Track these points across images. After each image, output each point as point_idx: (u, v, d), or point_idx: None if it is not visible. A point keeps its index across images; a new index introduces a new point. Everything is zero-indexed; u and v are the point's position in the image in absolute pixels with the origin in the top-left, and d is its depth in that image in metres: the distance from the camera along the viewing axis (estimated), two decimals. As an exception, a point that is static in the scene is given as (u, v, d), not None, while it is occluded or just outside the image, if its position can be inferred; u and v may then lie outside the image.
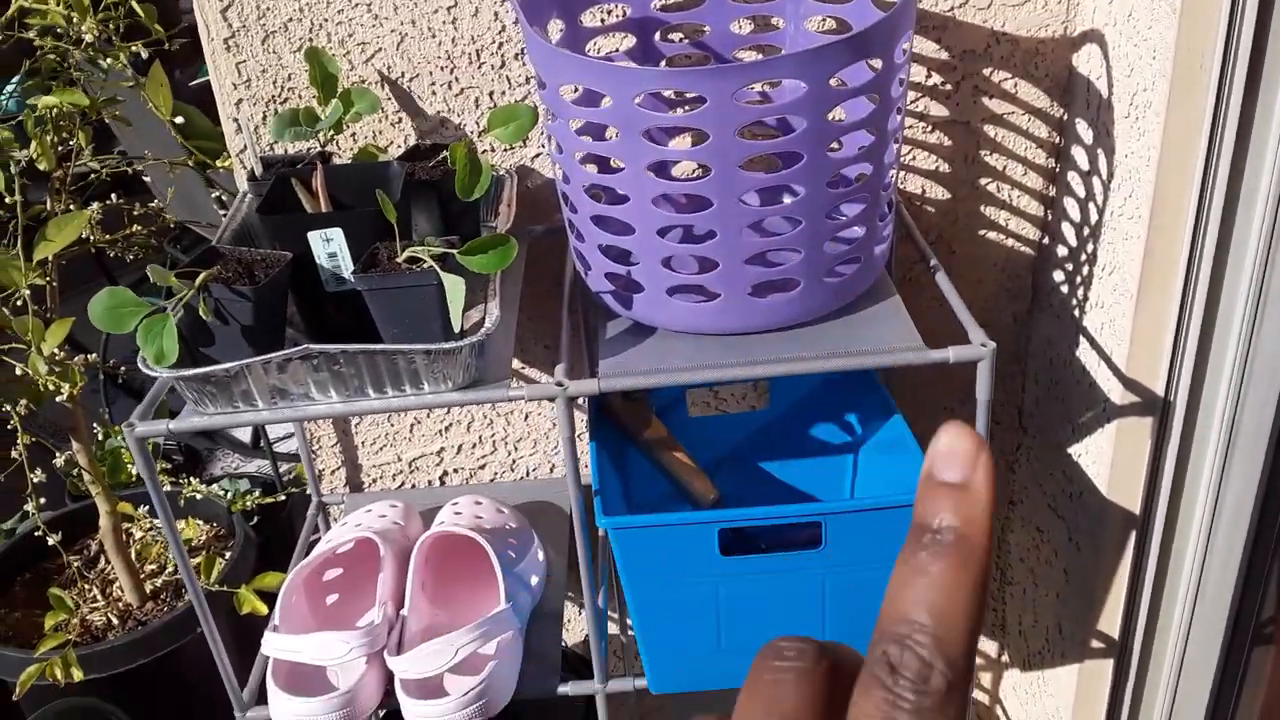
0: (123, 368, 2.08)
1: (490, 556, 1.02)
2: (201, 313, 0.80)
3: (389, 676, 0.97)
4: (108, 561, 1.80)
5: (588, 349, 1.08)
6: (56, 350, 1.28)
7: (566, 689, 0.99)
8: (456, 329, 0.81)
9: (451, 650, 0.93)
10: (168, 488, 1.53)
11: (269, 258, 0.86)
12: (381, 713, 1.02)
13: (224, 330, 0.82)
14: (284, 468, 2.19)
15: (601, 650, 0.98)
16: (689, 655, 0.94)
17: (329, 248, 0.87)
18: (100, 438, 1.99)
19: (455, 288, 0.80)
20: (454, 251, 0.82)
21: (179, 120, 1.14)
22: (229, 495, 1.80)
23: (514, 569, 1.04)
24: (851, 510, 0.87)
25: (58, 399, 1.38)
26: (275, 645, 0.95)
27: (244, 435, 2.72)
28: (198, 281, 0.81)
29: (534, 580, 1.07)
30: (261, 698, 0.99)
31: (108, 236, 1.47)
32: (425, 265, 0.81)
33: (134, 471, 1.93)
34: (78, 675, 1.40)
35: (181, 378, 0.81)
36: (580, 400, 1.19)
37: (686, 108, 0.99)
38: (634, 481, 1.07)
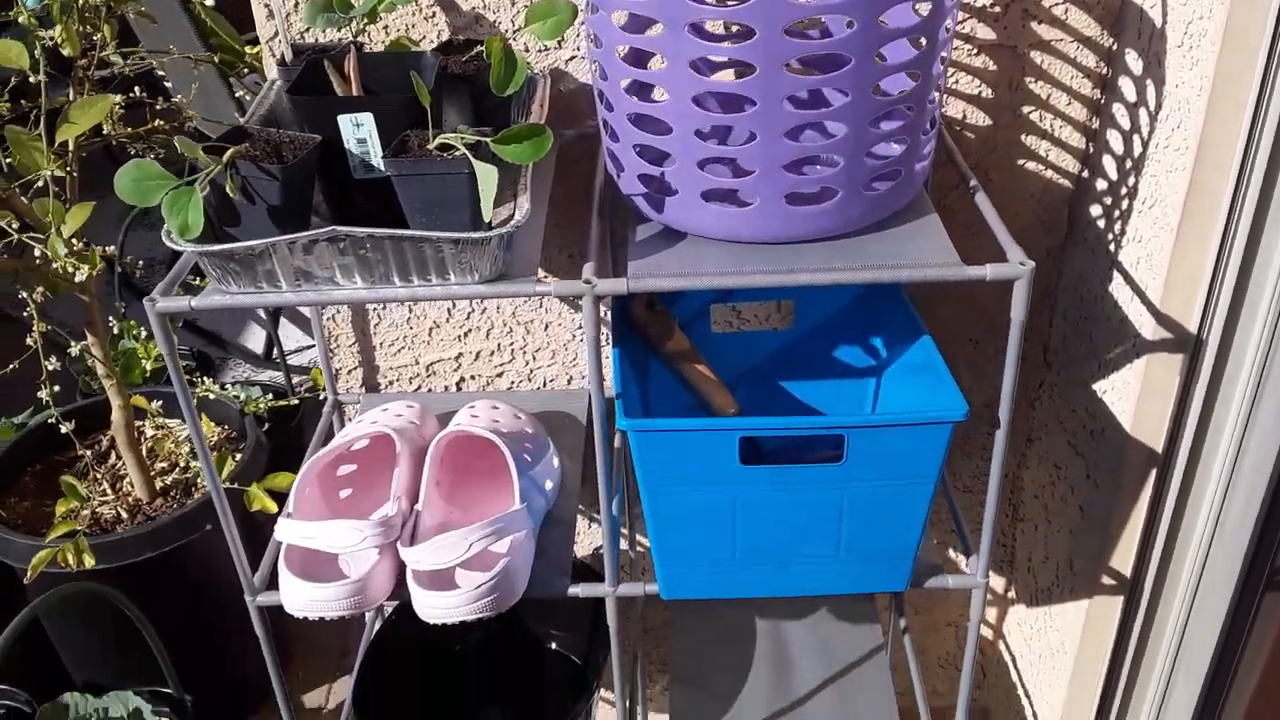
0: (139, 264, 2.07)
1: (506, 458, 1.02)
2: (228, 190, 0.79)
3: (400, 568, 0.97)
4: (118, 457, 1.81)
5: (615, 256, 1.07)
6: (75, 242, 1.27)
7: (577, 590, 0.99)
8: (487, 219, 0.80)
9: (465, 544, 0.93)
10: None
11: (297, 139, 0.84)
12: (392, 605, 1.02)
13: (250, 210, 0.81)
14: (296, 380, 2.19)
15: (614, 554, 0.98)
16: (702, 563, 0.94)
17: (359, 133, 0.85)
18: (115, 333, 1.99)
19: (488, 176, 0.78)
20: (488, 140, 0.80)
21: (209, 2, 1.12)
22: (241, 398, 1.80)
23: (529, 471, 1.04)
24: (874, 425, 0.86)
25: (75, 282, 1.38)
26: (289, 531, 0.95)
27: (256, 346, 2.72)
28: (225, 157, 0.80)
29: (548, 485, 1.07)
30: (272, 584, 0.99)
31: (129, 130, 1.46)
32: (458, 153, 0.79)
33: (147, 368, 1.93)
34: (89, 562, 1.41)
35: (206, 253, 0.80)
36: (604, 312, 1.19)
37: (732, 1, 0.96)
38: (654, 393, 1.06)
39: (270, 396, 1.88)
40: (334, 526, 0.95)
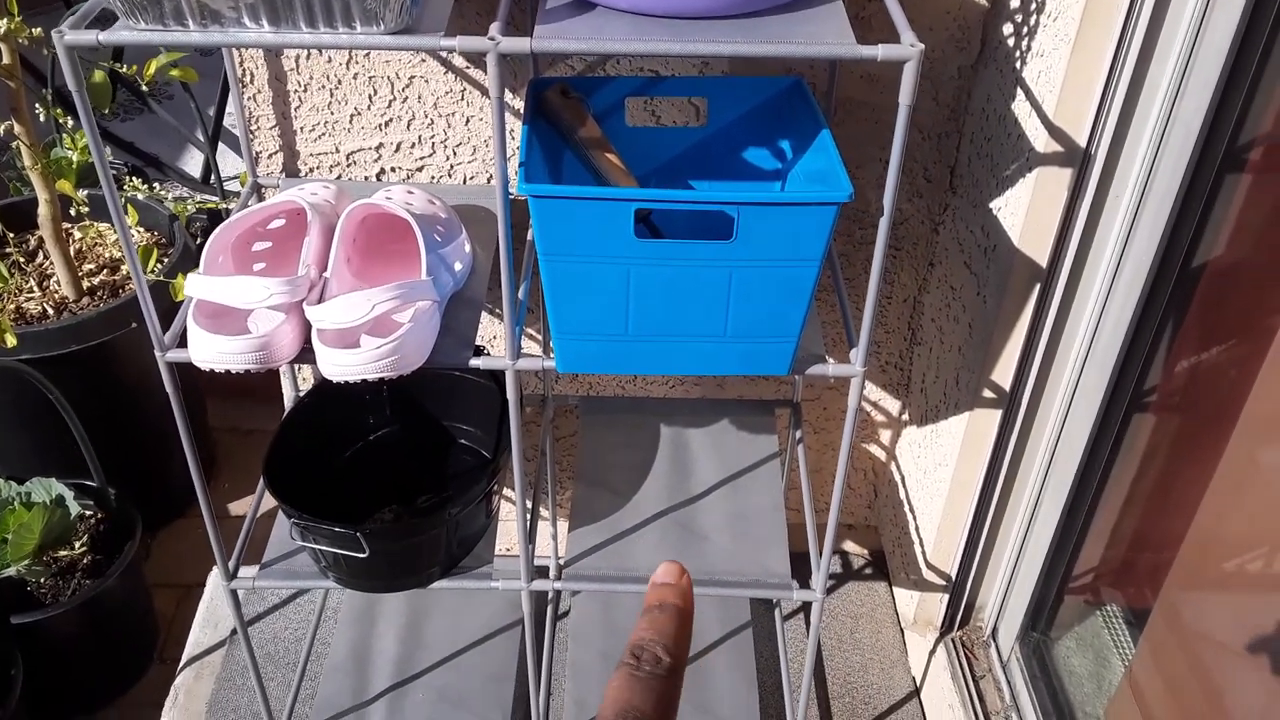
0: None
1: (415, 233, 1.05)
2: (136, -78, 0.79)
3: (306, 331, 1.00)
4: (46, 257, 1.81)
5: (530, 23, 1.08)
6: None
7: (478, 362, 1.03)
8: (394, -33, 0.81)
9: (368, 304, 0.96)
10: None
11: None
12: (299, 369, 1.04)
13: (159, -54, 0.81)
14: (230, 206, 2.19)
15: (515, 332, 1.01)
16: (597, 336, 0.98)
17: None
18: (49, 142, 1.97)
19: (395, -78, 0.79)
20: (398, -113, 0.80)
21: None
22: (169, 199, 1.80)
23: (438, 249, 1.07)
24: (763, 203, 0.89)
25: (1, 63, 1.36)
26: (198, 285, 0.98)
27: (194, 169, 2.70)
28: (134, -112, 0.80)
29: (457, 266, 1.10)
30: (182, 344, 1.02)
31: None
32: (367, -102, 0.80)
33: (75, 185, 1.91)
34: (11, 341, 1.43)
35: (112, -17, 0.80)
36: (517, 99, 1.20)
37: None
38: (565, 180, 1.09)
39: (199, 197, 1.88)
40: (241, 280, 0.98)
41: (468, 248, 1.14)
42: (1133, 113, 1.00)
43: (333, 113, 1.23)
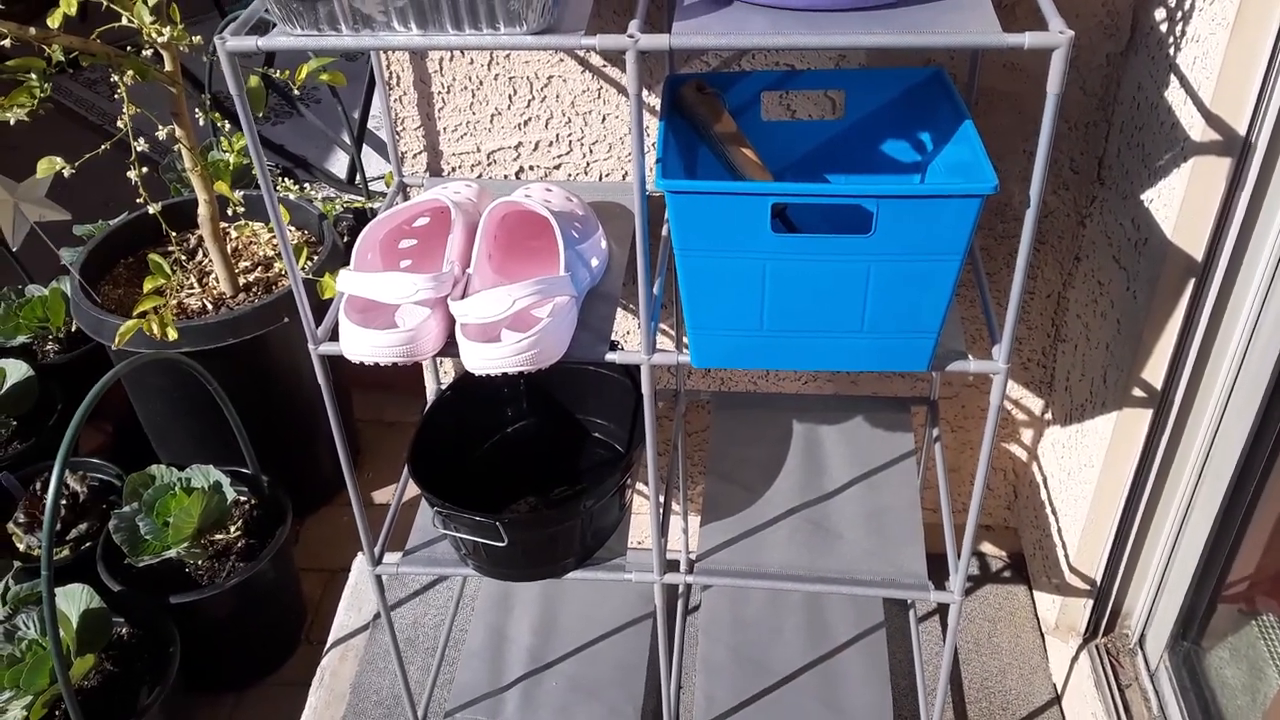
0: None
1: (554, 230, 1.07)
2: (295, -67, 0.83)
3: (451, 325, 1.03)
4: (206, 255, 1.90)
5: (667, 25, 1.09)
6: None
7: (614, 356, 1.04)
8: (537, -31, 0.82)
9: (509, 300, 0.98)
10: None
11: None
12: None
13: (315, -44, 0.84)
14: (375, 205, 2.27)
15: (650, 326, 1.02)
16: (732, 332, 0.98)
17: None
18: (207, 145, 2.07)
19: (539, -75, 0.81)
20: (541, -110, 0.82)
21: None
22: (318, 199, 1.87)
23: (575, 246, 1.09)
24: (903, 195, 0.88)
25: (164, 72, 1.44)
26: (349, 281, 1.02)
27: (339, 170, 2.80)
28: (293, -100, 0.83)
29: (594, 262, 1.12)
30: (334, 338, 1.06)
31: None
32: (512, -98, 0.82)
33: (230, 186, 2.00)
34: (172, 334, 1.51)
35: (272, -7, 0.84)
36: (653, 95, 1.21)
37: None
38: (700, 176, 1.09)
39: (347, 197, 1.95)
40: (390, 277, 1.01)
41: (604, 244, 1.16)
42: (1298, 98, 0.95)
43: (474, 113, 1.26)
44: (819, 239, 0.92)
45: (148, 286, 1.58)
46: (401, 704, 1.51)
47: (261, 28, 0.90)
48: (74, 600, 1.51)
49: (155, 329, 1.49)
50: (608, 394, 1.33)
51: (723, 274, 0.95)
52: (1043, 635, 1.57)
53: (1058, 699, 1.50)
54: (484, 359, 0.99)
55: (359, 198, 2.23)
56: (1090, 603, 1.41)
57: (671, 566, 1.20)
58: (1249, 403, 1.12)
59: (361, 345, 1.01)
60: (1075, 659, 1.45)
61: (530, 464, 1.38)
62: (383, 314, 1.07)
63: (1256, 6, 0.93)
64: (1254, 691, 1.21)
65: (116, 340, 1.52)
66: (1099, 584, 1.38)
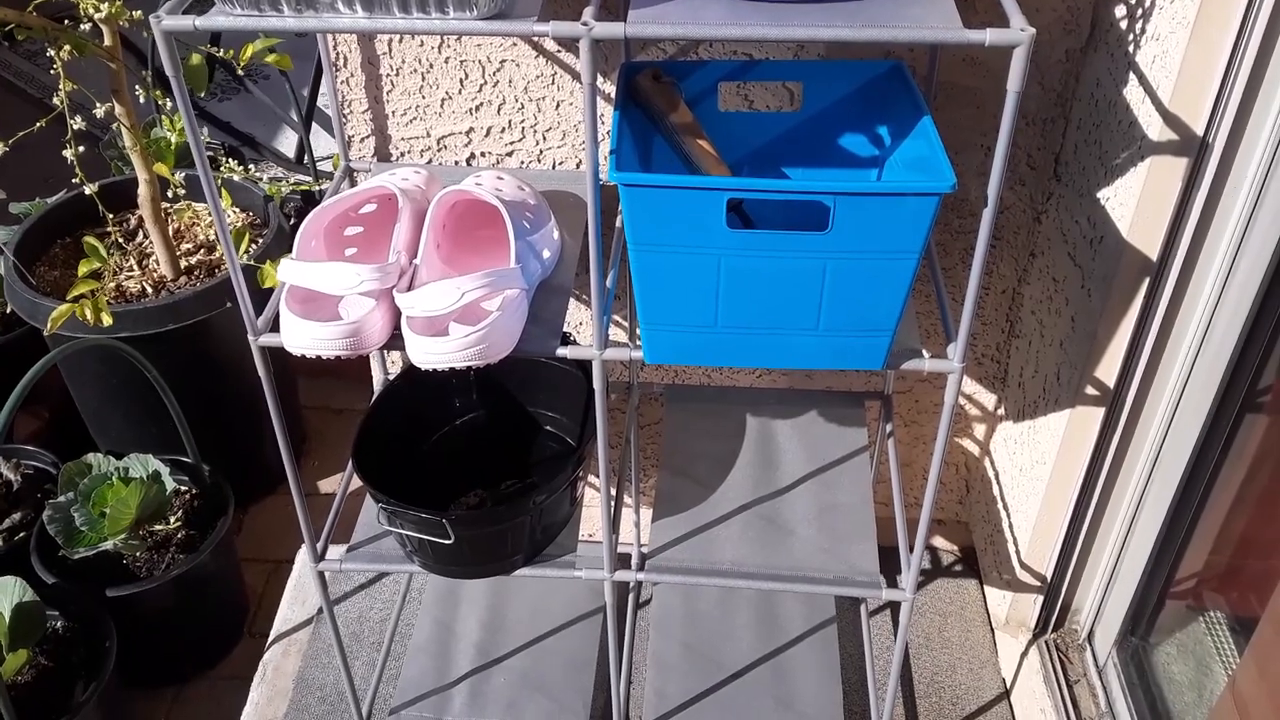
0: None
1: (505, 220, 1.04)
2: (234, -92, 0.79)
3: (396, 317, 1.00)
4: (146, 236, 1.85)
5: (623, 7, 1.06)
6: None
7: (565, 351, 1.02)
8: (488, -49, 0.80)
9: (457, 292, 0.96)
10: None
11: None
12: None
13: (256, -68, 0.81)
14: (323, 186, 2.22)
15: (603, 321, 1.00)
16: (686, 329, 0.96)
17: None
18: (149, 122, 2.01)
19: (490, -94, 0.78)
20: None
21: None
22: (264, 180, 1.82)
23: (527, 237, 1.06)
24: (861, 193, 0.86)
25: (102, 46, 1.39)
26: (290, 271, 0.98)
27: (288, 149, 2.74)
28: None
29: (546, 254, 1.09)
30: (275, 328, 1.03)
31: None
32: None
33: (173, 166, 1.95)
34: (106, 320, 1.46)
35: (210, -30, 0.81)
36: (609, 83, 1.19)
37: None
38: (655, 167, 1.07)
39: (294, 179, 1.90)
40: (333, 267, 0.98)
41: (556, 235, 1.13)
42: (1254, 101, 0.95)
43: (424, 97, 1.22)
44: (775, 235, 0.90)
45: (82, 270, 1.53)
46: (346, 700, 1.48)
47: (201, 5, 0.86)
48: (6, 593, 1.46)
49: (89, 314, 1.44)
50: (560, 386, 1.31)
51: (677, 269, 0.93)
52: (993, 630, 1.58)
53: (1007, 694, 1.50)
54: (430, 353, 0.97)
55: (307, 179, 2.18)
56: (1040, 598, 1.41)
57: (623, 561, 1.18)
58: (1201, 402, 1.12)
59: (303, 338, 0.98)
60: (1025, 654, 1.45)
61: (480, 456, 1.35)
62: (326, 305, 1.03)
63: (1217, 6, 0.92)
64: (1200, 688, 1.22)
65: (49, 326, 1.46)
66: (1049, 580, 1.39)
